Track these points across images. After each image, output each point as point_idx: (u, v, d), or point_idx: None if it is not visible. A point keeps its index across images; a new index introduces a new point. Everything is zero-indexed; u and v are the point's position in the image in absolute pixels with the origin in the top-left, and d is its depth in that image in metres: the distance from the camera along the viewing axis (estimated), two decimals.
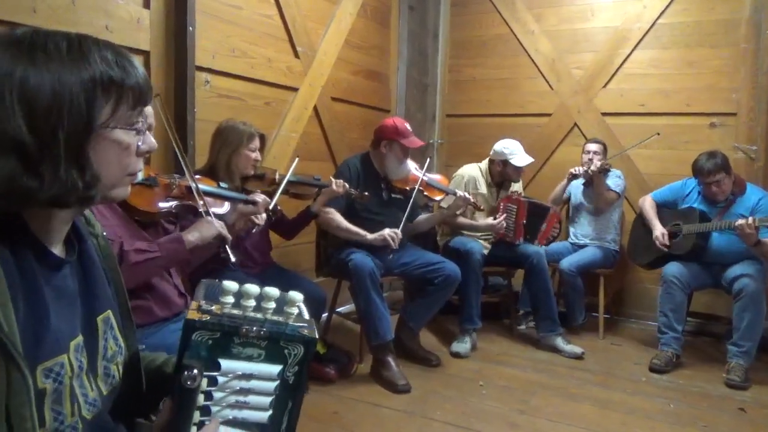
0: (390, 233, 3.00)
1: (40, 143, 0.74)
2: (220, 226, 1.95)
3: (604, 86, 4.31)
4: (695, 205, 3.43)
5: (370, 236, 3.03)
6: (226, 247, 1.94)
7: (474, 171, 3.75)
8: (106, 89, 0.78)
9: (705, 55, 4.00)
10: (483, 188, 3.70)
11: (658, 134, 3.82)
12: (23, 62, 0.73)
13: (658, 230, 3.48)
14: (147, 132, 0.88)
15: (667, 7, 4.06)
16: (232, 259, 1.94)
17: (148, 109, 1.67)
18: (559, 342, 3.46)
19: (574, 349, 3.41)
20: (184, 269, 2.13)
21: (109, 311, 0.95)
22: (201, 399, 0.85)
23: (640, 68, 4.19)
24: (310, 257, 3.44)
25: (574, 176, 3.88)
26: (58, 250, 0.85)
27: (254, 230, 2.39)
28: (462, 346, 3.38)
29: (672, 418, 2.67)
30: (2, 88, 0.72)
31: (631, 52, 4.20)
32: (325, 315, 3.28)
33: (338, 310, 3.65)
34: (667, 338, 3.30)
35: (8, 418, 0.69)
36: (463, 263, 3.28)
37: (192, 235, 1.90)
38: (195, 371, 0.82)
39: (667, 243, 3.41)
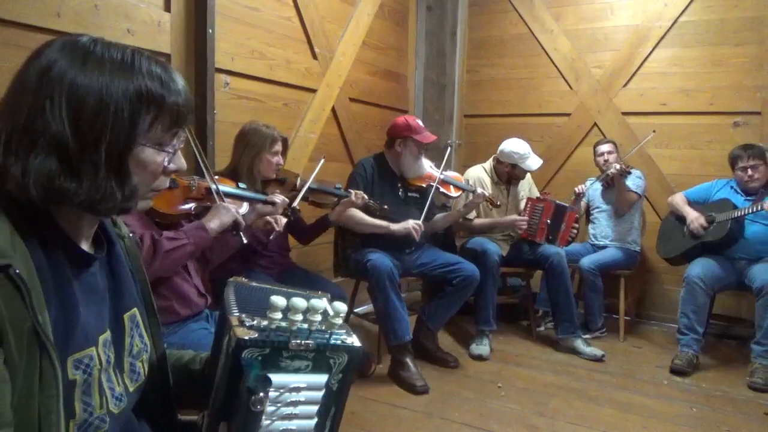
0: (414, 224, 3.00)
1: (82, 147, 0.76)
2: (235, 211, 2.03)
3: (625, 85, 4.26)
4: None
5: (393, 226, 3.02)
6: (239, 231, 2.02)
7: (479, 173, 3.71)
8: (148, 104, 0.81)
9: (728, 53, 3.93)
10: (490, 190, 3.63)
11: (654, 132, 3.85)
12: (76, 67, 0.77)
13: (693, 214, 3.44)
14: (178, 152, 0.89)
15: (689, 4, 4.01)
16: (244, 240, 2.04)
17: None
18: (579, 344, 3.43)
19: (594, 351, 3.37)
20: (204, 269, 2.16)
21: (135, 309, 0.97)
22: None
23: (661, 67, 4.13)
24: (329, 258, 3.45)
25: (578, 195, 3.92)
26: (86, 247, 0.87)
27: (272, 236, 2.44)
28: (482, 348, 3.36)
29: (694, 422, 2.63)
30: (52, 87, 0.75)
31: (651, 51, 4.15)
32: None
33: (356, 310, 3.66)
34: (688, 339, 3.25)
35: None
36: (480, 264, 3.26)
37: (213, 223, 1.97)
38: (261, 395, 0.81)
39: (705, 224, 3.36)
